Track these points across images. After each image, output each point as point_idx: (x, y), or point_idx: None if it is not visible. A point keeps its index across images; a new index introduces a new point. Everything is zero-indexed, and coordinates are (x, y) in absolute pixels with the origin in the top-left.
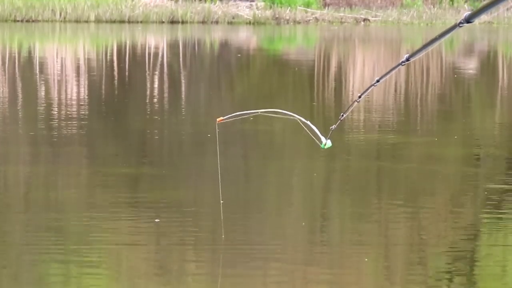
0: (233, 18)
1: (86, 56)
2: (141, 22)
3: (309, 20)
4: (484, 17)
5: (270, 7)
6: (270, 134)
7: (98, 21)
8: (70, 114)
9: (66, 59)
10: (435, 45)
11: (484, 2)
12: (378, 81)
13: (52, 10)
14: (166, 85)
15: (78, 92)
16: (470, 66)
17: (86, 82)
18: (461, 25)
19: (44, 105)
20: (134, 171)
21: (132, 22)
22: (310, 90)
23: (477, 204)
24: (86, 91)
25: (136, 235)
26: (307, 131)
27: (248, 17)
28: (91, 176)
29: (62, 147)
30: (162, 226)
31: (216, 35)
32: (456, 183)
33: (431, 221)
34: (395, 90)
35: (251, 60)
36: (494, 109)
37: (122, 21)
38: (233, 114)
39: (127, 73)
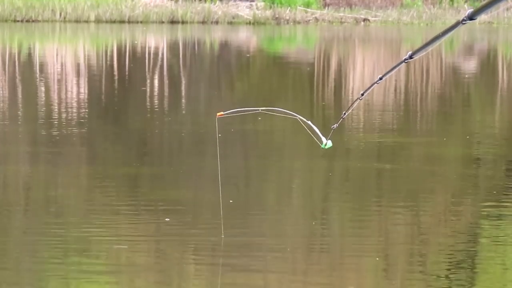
0: (233, 18)
1: (86, 56)
2: (141, 22)
3: (309, 20)
4: (484, 17)
5: (270, 7)
6: (270, 134)
7: (98, 21)
8: (70, 114)
9: (66, 59)
10: (438, 43)
11: (486, 0)
12: (381, 78)
13: (52, 10)
14: (166, 85)
15: (78, 92)
16: (470, 66)
17: (86, 82)
18: (464, 22)
19: (44, 105)
20: (134, 171)
21: (132, 22)
22: (310, 90)
23: (477, 204)
24: (86, 91)
25: (136, 235)
26: (308, 130)
27: (248, 17)
28: (91, 176)
29: (62, 147)
30: (162, 226)
31: (216, 35)
32: (456, 183)
33: (431, 221)
34: (395, 90)
35: (251, 60)
36: (494, 109)
37: (122, 21)
38: (233, 110)
39: (127, 73)
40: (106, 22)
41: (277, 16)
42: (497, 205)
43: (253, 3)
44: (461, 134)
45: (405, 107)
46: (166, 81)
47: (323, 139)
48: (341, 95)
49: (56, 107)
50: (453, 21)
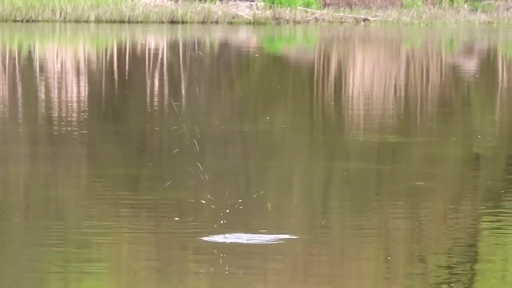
0: (233, 18)
1: (86, 56)
2: (141, 22)
3: (309, 20)
4: (484, 17)
5: (270, 7)
6: (270, 134)
7: (98, 21)
8: (70, 114)
9: (66, 59)
10: None
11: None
12: None
13: (52, 10)
14: (166, 85)
15: (78, 92)
16: (470, 66)
17: (86, 82)
18: None
19: (44, 105)
20: (134, 171)
21: (132, 22)
22: (310, 90)
23: (477, 204)
24: (86, 91)
25: (136, 235)
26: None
27: (248, 17)
28: (91, 176)
29: (62, 147)
30: (162, 225)
31: (216, 35)
32: (456, 183)
33: (431, 221)
34: (395, 90)
35: (251, 60)
36: (494, 109)
37: (122, 21)
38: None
39: (127, 73)
40: (106, 22)
41: (277, 16)
42: (497, 205)
43: (253, 3)
44: (461, 134)
45: (405, 107)
46: (166, 81)
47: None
48: (341, 95)
49: (56, 107)
50: (453, 21)
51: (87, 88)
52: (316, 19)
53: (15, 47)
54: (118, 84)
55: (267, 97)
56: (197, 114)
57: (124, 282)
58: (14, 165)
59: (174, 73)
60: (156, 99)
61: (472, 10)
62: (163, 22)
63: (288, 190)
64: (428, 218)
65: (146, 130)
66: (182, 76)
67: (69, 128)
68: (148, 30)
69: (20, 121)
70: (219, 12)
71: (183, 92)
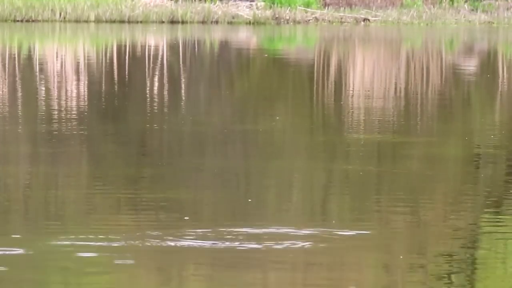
0: (233, 18)
1: (86, 56)
2: (141, 22)
3: (309, 20)
4: (484, 17)
5: (270, 7)
6: (270, 134)
7: (98, 21)
8: (70, 114)
9: (66, 59)
10: None
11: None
12: None
13: (52, 10)
14: (166, 85)
15: (78, 92)
16: (470, 66)
17: (86, 82)
18: None
19: (44, 105)
20: (134, 171)
21: (132, 22)
22: (310, 90)
23: (477, 204)
24: (86, 91)
25: (136, 235)
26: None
27: (248, 17)
28: (91, 176)
29: (62, 147)
30: (162, 226)
31: (216, 35)
32: (456, 183)
33: (431, 221)
34: (395, 90)
35: (251, 60)
36: (494, 109)
37: (122, 21)
38: None
39: (127, 73)
40: (106, 22)
41: (277, 16)
42: (497, 205)
43: (253, 3)
44: (461, 134)
45: (405, 107)
46: (166, 81)
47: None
48: (341, 94)
49: (56, 107)
50: (453, 21)
51: (87, 88)
52: (316, 19)
53: (15, 47)
54: (118, 83)
55: (273, 96)
56: (204, 114)
57: (124, 282)
58: (13, 165)
59: (175, 73)
60: (156, 99)
61: (472, 10)
62: (163, 22)
63: (288, 190)
64: (428, 218)
65: (146, 129)
66: (184, 76)
67: (69, 128)
68: (153, 30)
69: (19, 120)
70: (219, 12)
71: (185, 92)
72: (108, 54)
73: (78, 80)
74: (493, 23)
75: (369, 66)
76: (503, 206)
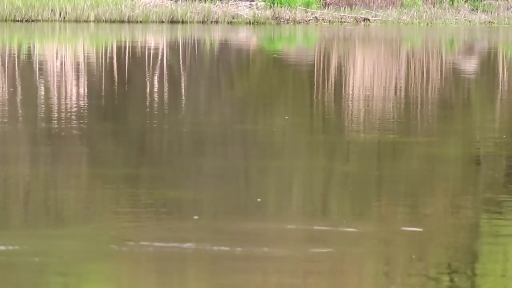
0: (233, 18)
1: (85, 56)
2: (141, 22)
3: (309, 20)
4: (484, 17)
5: (270, 7)
6: (270, 134)
7: (97, 20)
8: (69, 114)
9: (66, 59)
10: None
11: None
12: None
13: (52, 10)
14: (165, 85)
15: (78, 92)
16: (470, 66)
17: (86, 82)
18: None
19: (44, 105)
20: (134, 171)
21: (132, 22)
22: (310, 90)
23: (478, 204)
24: (86, 91)
25: (136, 235)
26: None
27: (248, 17)
28: (91, 176)
29: (62, 147)
30: (162, 226)
31: (216, 35)
32: (456, 183)
33: (431, 221)
34: (395, 90)
35: (251, 60)
36: (494, 109)
37: (122, 21)
38: None
39: (126, 73)
40: (106, 22)
41: (277, 16)
42: (497, 205)
43: (253, 3)
44: (461, 134)
45: (405, 106)
46: (165, 81)
47: None
48: (340, 94)
49: (56, 107)
50: (453, 21)
51: (86, 88)
52: (316, 19)
53: (15, 47)
54: (118, 83)
55: (273, 96)
56: (204, 114)
57: (124, 282)
58: (13, 164)
59: (175, 73)
60: (156, 98)
61: (472, 10)
62: (163, 22)
63: (288, 190)
64: (428, 218)
65: (146, 129)
66: (185, 76)
67: (68, 128)
68: (160, 30)
69: (19, 120)
70: (219, 12)
71: (187, 92)
72: (108, 54)
73: (77, 79)
74: (493, 23)
75: (369, 66)
76: (503, 206)
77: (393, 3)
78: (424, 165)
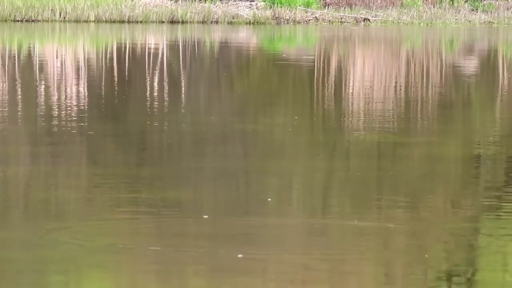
0: (233, 18)
1: (85, 56)
2: (141, 22)
3: (309, 20)
4: (484, 17)
5: (270, 7)
6: (270, 134)
7: (98, 21)
8: (69, 114)
9: (66, 59)
10: None
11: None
12: None
13: (52, 10)
14: (166, 85)
15: (78, 92)
16: (470, 66)
17: (86, 82)
18: None
19: (44, 105)
20: (134, 171)
21: (132, 22)
22: (310, 90)
23: (478, 204)
24: (86, 91)
25: (136, 236)
26: None
27: (248, 17)
28: (91, 176)
29: (62, 147)
30: (162, 226)
31: (216, 35)
32: (456, 183)
33: (431, 222)
34: (395, 90)
35: (251, 59)
36: (494, 109)
37: (122, 21)
38: None
39: (126, 73)
40: (106, 22)
41: (277, 16)
42: (498, 205)
43: (253, 3)
44: (461, 134)
45: (405, 106)
46: (165, 81)
47: None
48: (341, 94)
49: (56, 107)
50: (453, 21)
51: (86, 88)
52: (316, 19)
53: (15, 47)
54: (118, 83)
55: (273, 96)
56: (204, 113)
57: (123, 282)
58: (14, 165)
59: (175, 72)
60: (156, 98)
61: (472, 10)
62: (163, 22)
63: (289, 190)
64: (428, 218)
65: (146, 129)
66: (185, 76)
67: (68, 127)
68: (165, 29)
69: (18, 120)
70: (219, 12)
71: (190, 92)
72: (108, 54)
73: (78, 79)
74: (493, 23)
75: (369, 66)
76: (503, 206)
77: (393, 3)
78: (424, 165)
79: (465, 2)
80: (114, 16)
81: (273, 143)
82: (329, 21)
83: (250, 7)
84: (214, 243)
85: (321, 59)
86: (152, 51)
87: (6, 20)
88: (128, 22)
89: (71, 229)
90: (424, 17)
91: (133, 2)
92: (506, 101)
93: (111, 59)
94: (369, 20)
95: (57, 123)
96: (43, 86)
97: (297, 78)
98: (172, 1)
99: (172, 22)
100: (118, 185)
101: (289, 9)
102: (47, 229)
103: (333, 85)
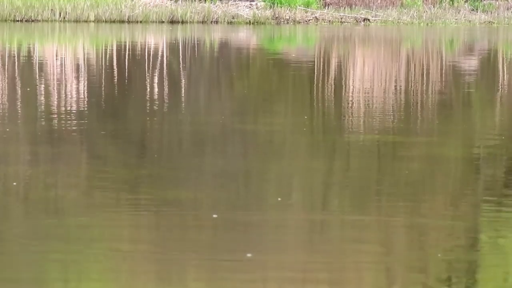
0: (233, 18)
1: (85, 56)
2: (141, 22)
3: (309, 20)
4: (484, 17)
5: (270, 7)
6: (270, 134)
7: (97, 21)
8: (69, 114)
9: (66, 59)
10: None
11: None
12: None
13: (52, 10)
14: (165, 85)
15: (78, 92)
16: (470, 66)
17: (86, 82)
18: None
19: (44, 105)
20: (134, 171)
21: (132, 22)
22: (310, 90)
23: (478, 204)
24: (86, 91)
25: (136, 236)
26: None
27: (248, 17)
28: (91, 176)
29: (62, 147)
30: (162, 226)
31: (216, 35)
32: (456, 183)
33: (431, 222)
34: (395, 90)
35: (251, 59)
36: (494, 109)
37: (121, 21)
38: None
39: (126, 73)
40: (106, 22)
41: (277, 16)
42: (498, 205)
43: (253, 3)
44: (461, 134)
45: (405, 106)
46: (165, 81)
47: None
48: (341, 94)
49: (56, 107)
50: (453, 21)
51: (86, 87)
52: (316, 19)
53: (14, 47)
54: (118, 83)
55: (273, 96)
56: (204, 113)
57: (123, 282)
58: (13, 164)
59: (175, 72)
60: (156, 98)
61: (472, 10)
62: (162, 22)
63: (289, 190)
64: (427, 218)
65: (146, 129)
66: (185, 76)
67: (68, 127)
68: (171, 29)
69: (18, 119)
70: (219, 12)
71: (185, 91)
72: (108, 54)
73: (77, 79)
74: (493, 23)
75: (369, 66)
76: (503, 206)
77: (393, 3)
78: (424, 165)
79: (465, 2)
80: (114, 16)
81: (273, 143)
82: (329, 21)
83: (250, 7)
84: (214, 243)
85: (321, 59)
86: (152, 51)
87: (6, 20)
88: (128, 22)
89: (71, 229)
90: (424, 17)
91: (133, 2)
92: (506, 101)
93: (111, 59)
94: (369, 20)
95: (56, 122)
96: (42, 86)
97: (297, 78)
98: (172, 1)
99: (172, 22)
100: (118, 185)
101: (289, 9)
102: (44, 228)
103: (333, 85)
